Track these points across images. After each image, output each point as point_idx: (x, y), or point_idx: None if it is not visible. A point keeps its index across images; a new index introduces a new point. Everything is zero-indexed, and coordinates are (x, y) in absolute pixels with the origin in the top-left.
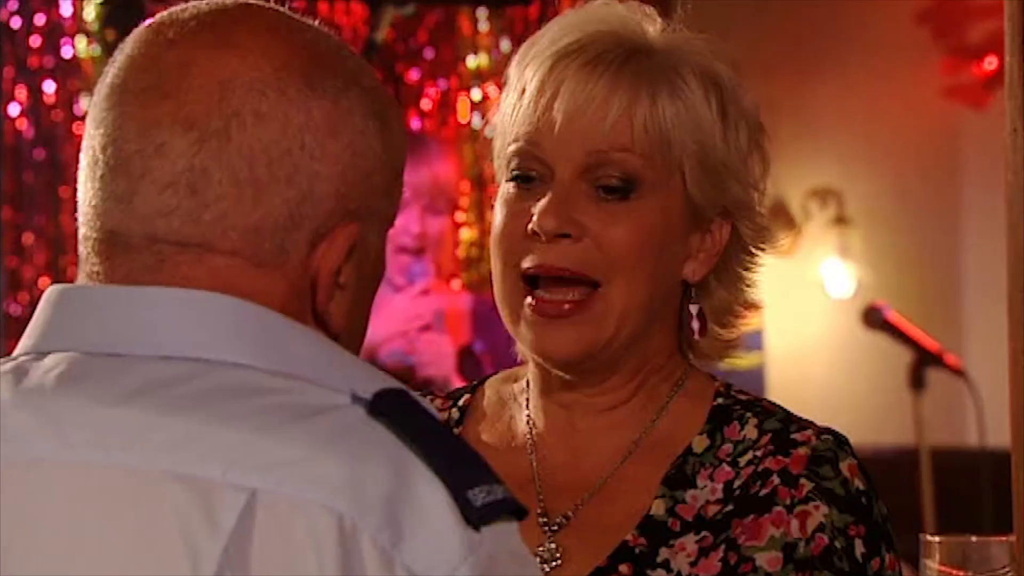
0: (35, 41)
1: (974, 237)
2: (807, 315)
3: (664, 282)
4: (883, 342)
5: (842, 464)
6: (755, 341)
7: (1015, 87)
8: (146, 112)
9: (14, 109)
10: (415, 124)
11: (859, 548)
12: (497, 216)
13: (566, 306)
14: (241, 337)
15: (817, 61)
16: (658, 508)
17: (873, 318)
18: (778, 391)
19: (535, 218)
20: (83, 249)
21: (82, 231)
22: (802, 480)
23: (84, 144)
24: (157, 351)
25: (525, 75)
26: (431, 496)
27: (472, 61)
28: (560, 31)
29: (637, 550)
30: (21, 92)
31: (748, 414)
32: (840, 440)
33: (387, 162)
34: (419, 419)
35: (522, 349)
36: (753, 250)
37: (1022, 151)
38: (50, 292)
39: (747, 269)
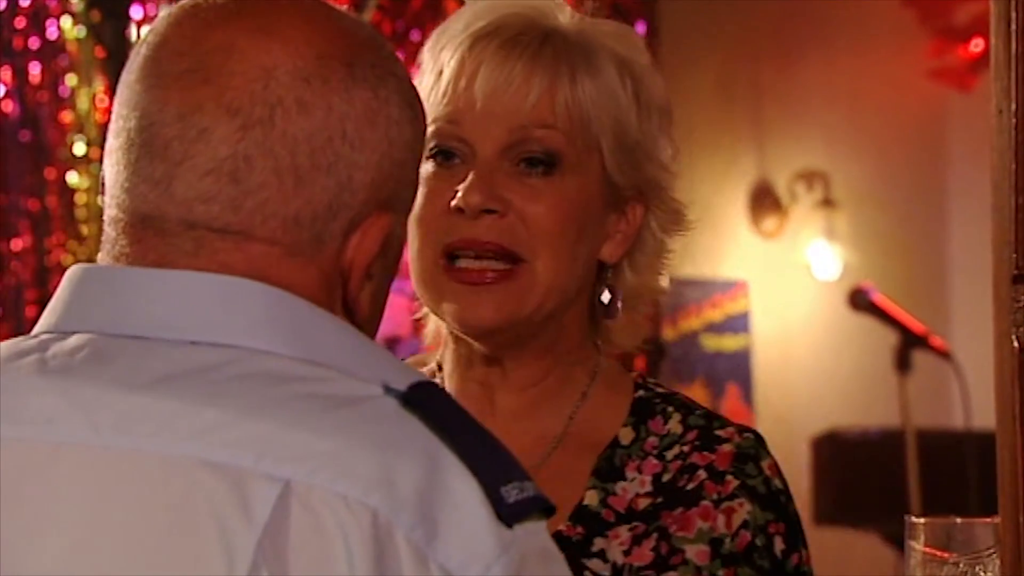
0: (20, 22)
1: (960, 219)
2: (793, 297)
3: (584, 260)
4: (869, 324)
5: (763, 463)
6: (741, 323)
7: (1001, 69)
8: (186, 96)
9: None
10: None
11: (778, 545)
12: (418, 199)
13: (489, 275)
14: (273, 325)
15: (803, 44)
16: (591, 499)
17: (859, 300)
18: (764, 373)
19: (460, 195)
20: (110, 230)
21: (110, 212)
22: (728, 476)
23: (115, 126)
24: (185, 335)
25: (441, 57)
26: (465, 492)
27: None
28: (473, 16)
29: (573, 539)
30: (6, 73)
31: (670, 408)
32: (760, 439)
33: (415, 151)
34: (452, 413)
35: (437, 328)
36: (662, 236)
37: (1007, 132)
38: (73, 271)
39: (658, 255)
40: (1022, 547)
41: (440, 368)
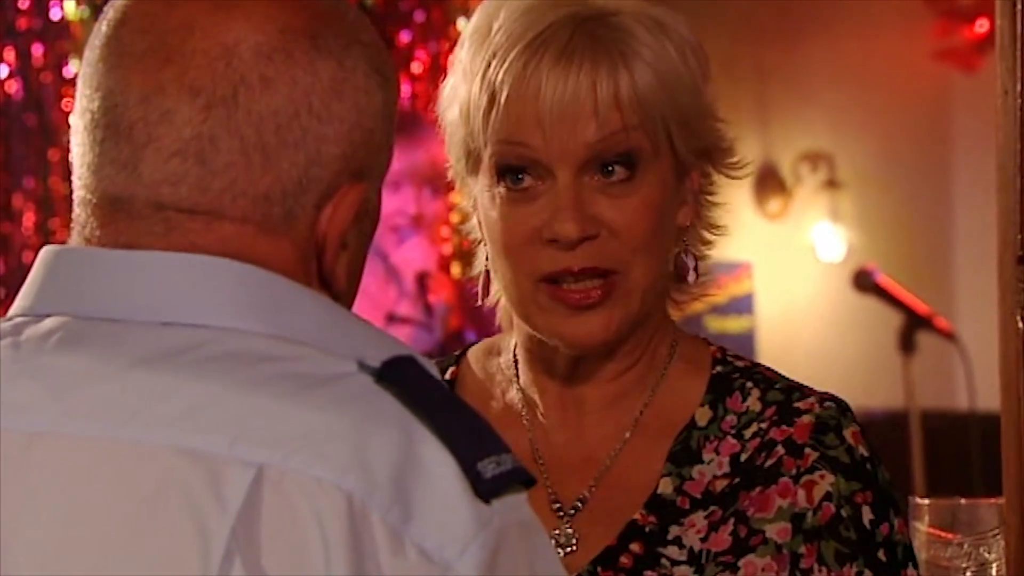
0: (23, 3)
1: (965, 200)
2: (798, 279)
3: (671, 241)
4: (873, 305)
5: (846, 431)
6: (745, 305)
7: (1006, 49)
8: (148, 77)
9: (2, 71)
10: (405, 88)
11: (866, 515)
12: (495, 222)
13: (593, 294)
14: (246, 302)
15: (807, 25)
16: (665, 487)
17: (863, 281)
18: (768, 355)
19: (553, 226)
20: (80, 212)
21: (79, 193)
22: (807, 450)
23: (79, 105)
24: (158, 317)
25: (490, 75)
26: (440, 470)
27: (463, 24)
28: (511, 20)
29: (647, 528)
30: (9, 54)
31: (749, 383)
32: (843, 407)
33: (386, 116)
34: (428, 388)
35: (510, 314)
36: (711, 171)
37: (1013, 113)
38: (45, 252)
39: (709, 193)
40: None
41: (516, 358)
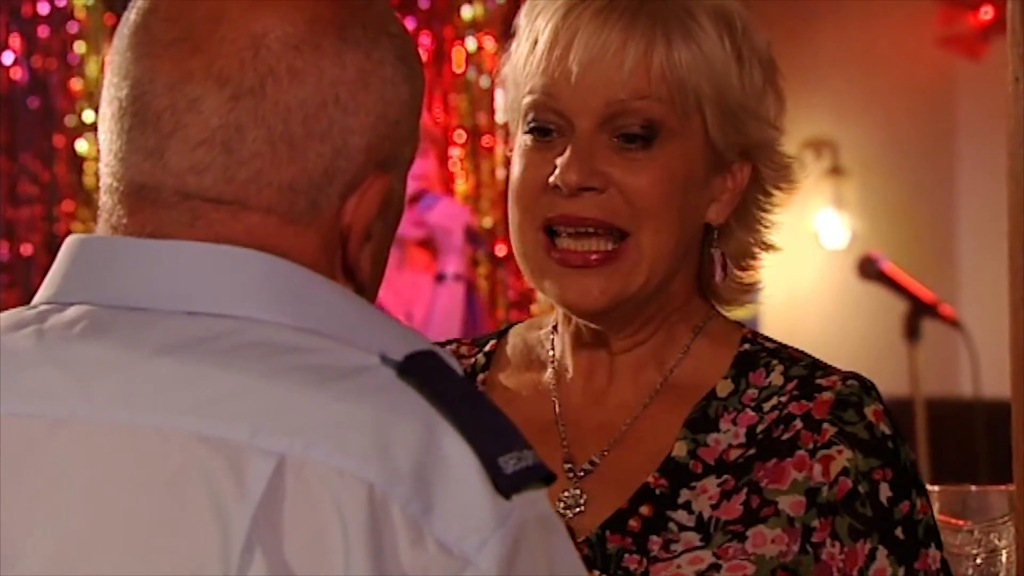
0: None
1: (969, 187)
2: (802, 266)
3: (689, 227)
4: (878, 293)
5: (867, 409)
6: None
7: (1017, 36)
8: (176, 65)
9: (8, 57)
10: None
11: (884, 492)
12: (515, 169)
13: (593, 256)
14: (271, 294)
15: (812, 11)
16: (679, 450)
17: (868, 269)
18: None
19: (557, 172)
20: (107, 199)
21: (106, 181)
22: (825, 425)
23: (107, 93)
24: (183, 306)
25: (536, 25)
26: (461, 464)
27: (467, 11)
28: None
29: (658, 491)
30: (15, 40)
31: (774, 361)
32: (866, 385)
33: (412, 108)
34: (450, 383)
35: (546, 300)
36: (772, 190)
37: (1023, 100)
38: (71, 241)
39: (765, 210)
40: None
41: (555, 330)
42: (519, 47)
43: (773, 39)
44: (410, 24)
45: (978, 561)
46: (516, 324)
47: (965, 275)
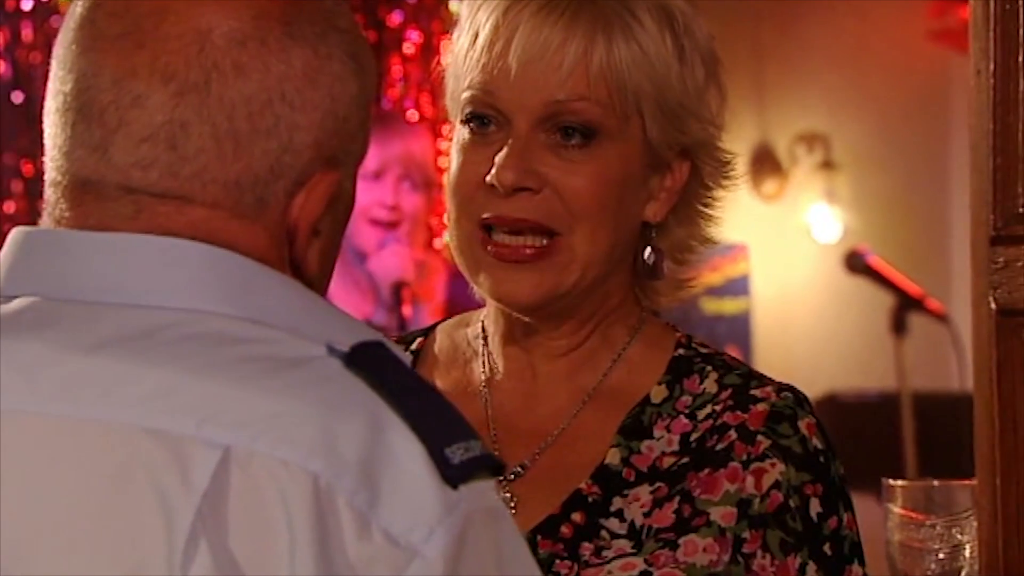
0: None
1: (962, 181)
2: (793, 261)
3: (626, 226)
4: (870, 287)
5: (800, 422)
6: (741, 287)
7: (979, 29)
8: (121, 61)
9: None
10: (396, 70)
11: (814, 507)
12: (454, 163)
13: (527, 251)
14: (216, 285)
15: (804, 5)
16: (613, 457)
17: (855, 263)
18: (764, 337)
19: (494, 171)
20: (51, 193)
21: (50, 175)
22: (759, 437)
23: (52, 86)
24: (129, 299)
25: (478, 18)
26: (408, 454)
27: (455, 5)
28: None
29: (590, 499)
30: None
31: (708, 367)
32: (800, 398)
33: (362, 103)
34: (397, 373)
35: (480, 294)
36: (712, 186)
37: (986, 93)
38: (15, 234)
39: (706, 205)
40: (998, 509)
41: (484, 330)
42: (460, 39)
43: (765, 32)
44: (397, 18)
45: (941, 556)
46: (443, 321)
47: (958, 269)
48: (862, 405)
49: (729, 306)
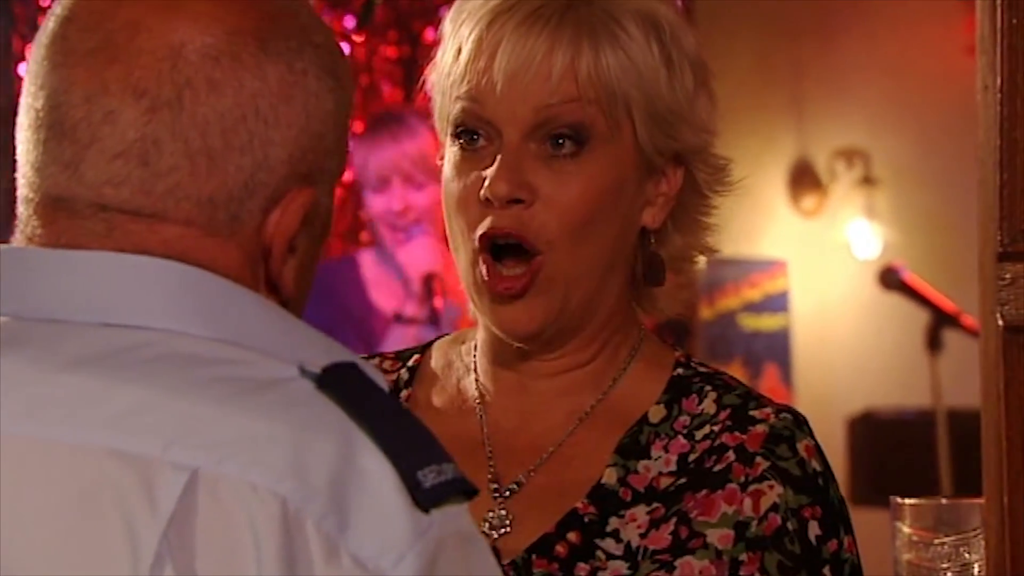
0: (45, 0)
1: None
2: (833, 277)
3: (622, 234)
4: (909, 304)
5: (799, 444)
6: (780, 303)
7: (986, 43)
8: (93, 76)
9: (24, 69)
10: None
11: (813, 530)
12: (446, 183)
13: (517, 284)
14: (188, 304)
15: (843, 20)
16: (609, 477)
17: (889, 279)
18: (803, 353)
19: (487, 184)
20: (23, 210)
21: (22, 192)
22: (758, 458)
23: (24, 102)
24: (99, 318)
25: (461, 33)
26: (379, 477)
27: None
28: None
29: (587, 518)
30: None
31: (707, 387)
32: (798, 420)
33: (338, 120)
34: (369, 395)
35: (476, 314)
36: (708, 193)
37: (993, 108)
38: None
39: (703, 214)
40: (1006, 527)
41: (476, 348)
42: (444, 56)
43: (804, 48)
44: (431, 35)
45: (949, 575)
46: (440, 338)
47: None
48: (900, 422)
49: (768, 322)
